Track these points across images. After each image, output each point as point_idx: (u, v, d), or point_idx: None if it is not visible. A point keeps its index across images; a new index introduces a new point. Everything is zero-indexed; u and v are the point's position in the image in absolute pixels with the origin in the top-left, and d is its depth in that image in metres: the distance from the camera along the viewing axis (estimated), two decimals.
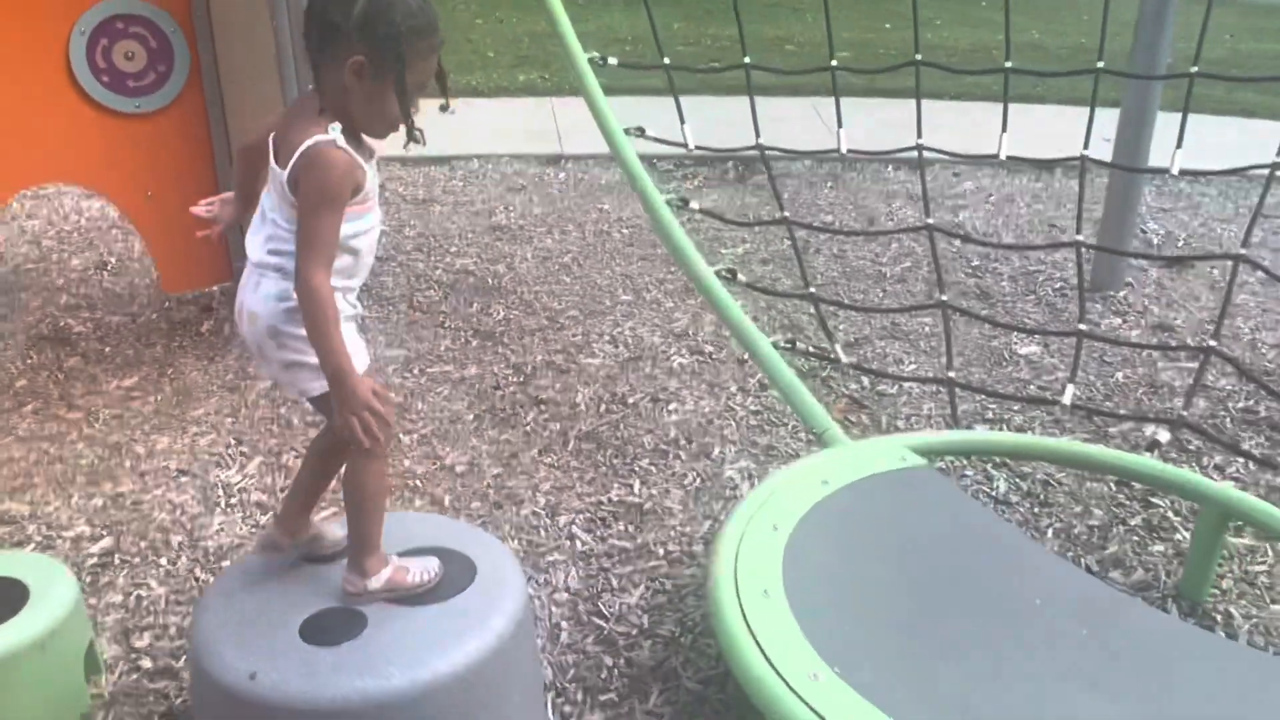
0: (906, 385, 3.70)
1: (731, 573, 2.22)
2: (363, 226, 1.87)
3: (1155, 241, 5.23)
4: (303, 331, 1.79)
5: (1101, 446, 2.95)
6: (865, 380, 3.76)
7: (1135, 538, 2.89)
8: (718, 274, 3.21)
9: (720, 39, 10.35)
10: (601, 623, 2.53)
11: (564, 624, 2.53)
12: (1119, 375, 3.82)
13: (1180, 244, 5.20)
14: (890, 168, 6.36)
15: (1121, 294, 4.53)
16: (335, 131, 1.75)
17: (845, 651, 2.04)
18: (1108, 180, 4.56)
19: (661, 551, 2.81)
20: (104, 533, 2.88)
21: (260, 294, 1.88)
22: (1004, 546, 2.44)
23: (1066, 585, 2.32)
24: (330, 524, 2.16)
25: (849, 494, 2.51)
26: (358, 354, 1.86)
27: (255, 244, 1.91)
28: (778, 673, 1.95)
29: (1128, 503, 3.05)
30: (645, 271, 4.81)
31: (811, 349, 3.67)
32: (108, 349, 4.05)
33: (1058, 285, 4.66)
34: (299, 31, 3.61)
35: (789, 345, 3.13)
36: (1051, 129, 5.10)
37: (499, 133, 7.05)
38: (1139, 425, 3.41)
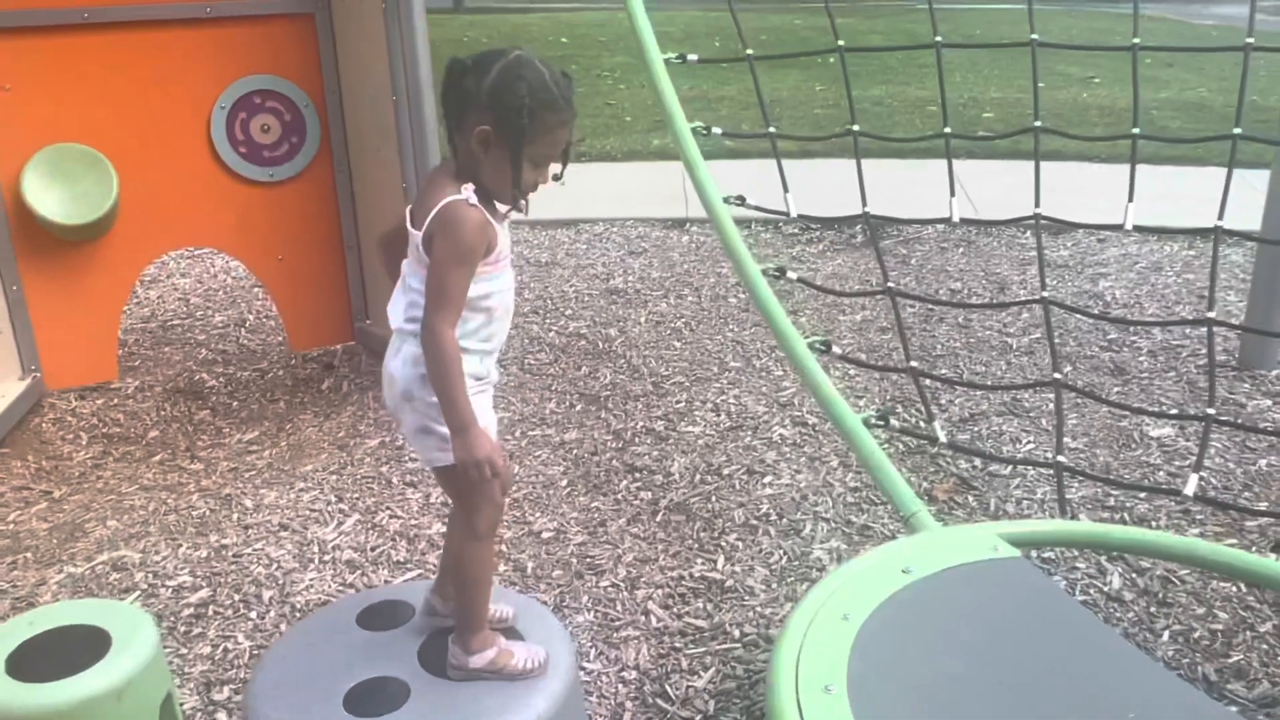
0: (1021, 467, 3.49)
1: (794, 663, 2.11)
2: (495, 287, 1.90)
3: None
4: (434, 397, 1.83)
5: (1218, 544, 2.69)
6: (978, 460, 3.57)
7: (1264, 645, 2.62)
8: (811, 346, 3.12)
9: (862, 100, 10.27)
10: (666, 705, 2.45)
11: (628, 704, 2.47)
12: (1262, 463, 3.50)
13: None
14: (1027, 232, 6.11)
15: (1274, 373, 4.18)
16: (468, 191, 1.81)
17: None
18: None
19: (737, 633, 2.72)
20: (203, 583, 3.00)
21: (400, 359, 1.93)
22: (1099, 650, 2.24)
23: (1166, 697, 2.11)
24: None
25: (931, 584, 2.37)
26: (488, 423, 1.91)
27: (396, 311, 1.97)
28: None
29: (1258, 606, 2.77)
30: (758, 338, 4.74)
31: (906, 426, 3.51)
32: (235, 403, 4.26)
33: (1202, 362, 4.33)
34: (415, 106, 3.77)
35: (881, 421, 3.00)
36: (1206, 193, 4.80)
37: (627, 196, 7.16)
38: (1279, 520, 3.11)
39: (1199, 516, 3.19)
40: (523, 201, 1.90)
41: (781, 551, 3.08)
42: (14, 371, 4.06)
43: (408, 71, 3.83)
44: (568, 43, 15.59)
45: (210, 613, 2.86)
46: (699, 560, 3.05)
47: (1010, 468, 3.49)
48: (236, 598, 2.93)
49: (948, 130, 3.76)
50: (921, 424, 3.60)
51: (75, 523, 3.36)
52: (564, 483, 3.52)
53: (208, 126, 4.06)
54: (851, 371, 4.33)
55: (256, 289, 5.50)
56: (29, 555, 3.17)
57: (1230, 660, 2.58)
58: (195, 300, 5.46)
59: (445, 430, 1.84)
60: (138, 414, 4.16)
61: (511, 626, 2.12)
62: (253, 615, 2.85)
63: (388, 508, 3.38)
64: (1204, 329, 4.49)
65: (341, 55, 4.22)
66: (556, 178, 1.97)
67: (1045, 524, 2.65)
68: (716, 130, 3.77)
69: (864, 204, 3.71)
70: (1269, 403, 3.96)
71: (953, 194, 3.67)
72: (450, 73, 1.82)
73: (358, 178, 4.38)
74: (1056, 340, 4.61)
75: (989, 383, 4.14)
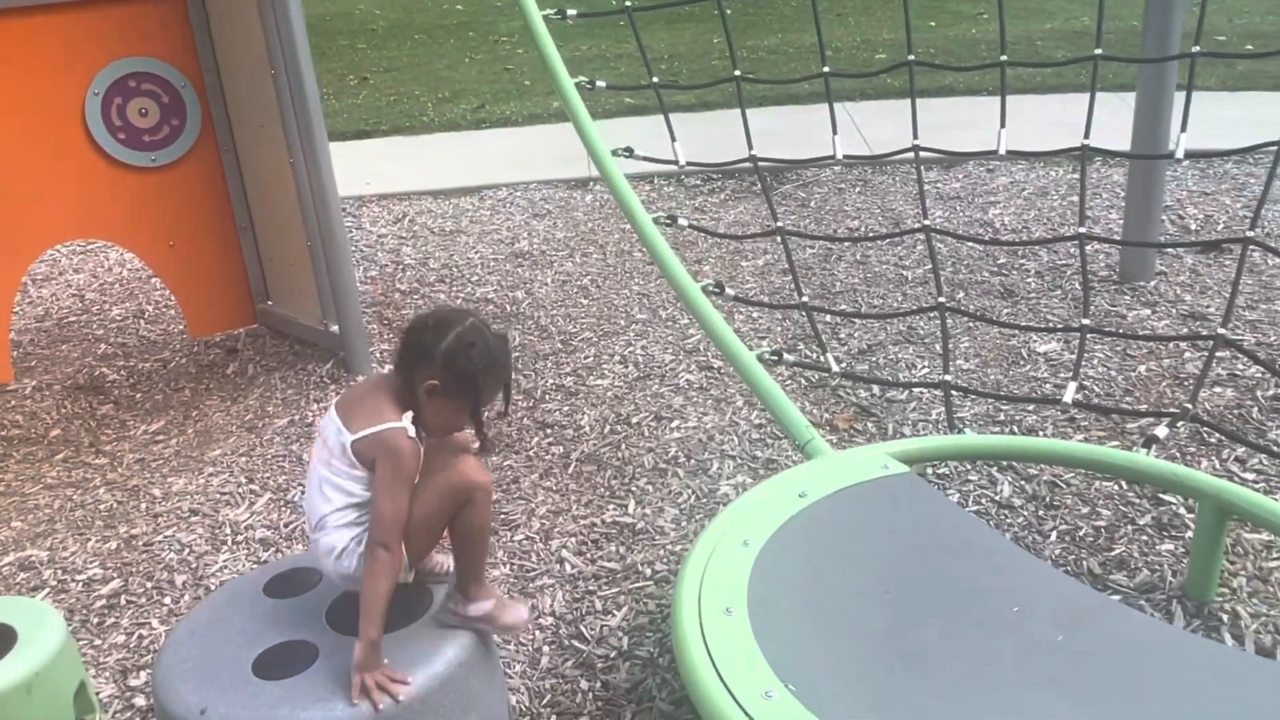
0: (917, 391, 3.62)
1: (696, 590, 2.19)
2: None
3: (1194, 227, 5.04)
4: (357, 534, 1.99)
5: (1091, 444, 2.85)
6: (876, 388, 3.69)
7: (1144, 538, 2.78)
8: (704, 289, 3.19)
9: (758, 49, 10.34)
10: (582, 646, 2.52)
11: (545, 648, 2.53)
12: (1141, 369, 3.68)
13: (1220, 228, 4.99)
14: (923, 168, 6.24)
15: (1152, 284, 4.37)
16: (407, 421, 1.96)
17: (805, 669, 2.00)
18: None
19: (649, 572, 2.79)
20: (114, 574, 2.98)
21: (321, 550, 2.01)
22: (985, 553, 2.37)
23: (1047, 591, 2.24)
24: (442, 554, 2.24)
25: (826, 506, 2.47)
26: None
27: (312, 506, 2.04)
28: (730, 692, 1.92)
29: (1137, 501, 2.93)
30: (663, 289, 4.80)
31: (802, 360, 3.62)
32: (139, 395, 4.19)
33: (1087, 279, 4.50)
34: (294, 79, 3.72)
35: (775, 357, 3.09)
36: (1077, 117, 4.96)
37: (529, 159, 7.13)
38: (1158, 420, 3.27)
39: (1083, 423, 3.35)
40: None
41: (690, 491, 3.16)
42: None
43: (284, 44, 3.77)
44: (463, 9, 15.35)
45: (123, 602, 2.85)
46: (611, 506, 3.11)
47: (906, 393, 3.62)
48: (149, 585, 2.92)
49: (826, 70, 3.83)
50: (818, 357, 3.70)
51: None
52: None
53: (82, 114, 3.95)
54: (755, 314, 4.42)
55: (153, 279, 5.38)
56: None
57: (1113, 553, 2.73)
58: (91, 295, 5.33)
59: (356, 531, 1.99)
60: (37, 414, 4.07)
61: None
62: (166, 601, 2.85)
63: (300, 484, 3.38)
64: (1088, 248, 4.68)
65: (216, 32, 4.14)
66: (501, 414, 2.18)
67: (931, 440, 2.76)
68: (600, 83, 3.79)
69: (750, 147, 3.77)
70: (1148, 311, 4.15)
71: (835, 132, 3.76)
72: (412, 326, 2.03)
73: (245, 157, 4.31)
74: (950, 269, 4.76)
75: (887, 315, 4.26)
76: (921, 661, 2.05)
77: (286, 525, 3.16)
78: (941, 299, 3.29)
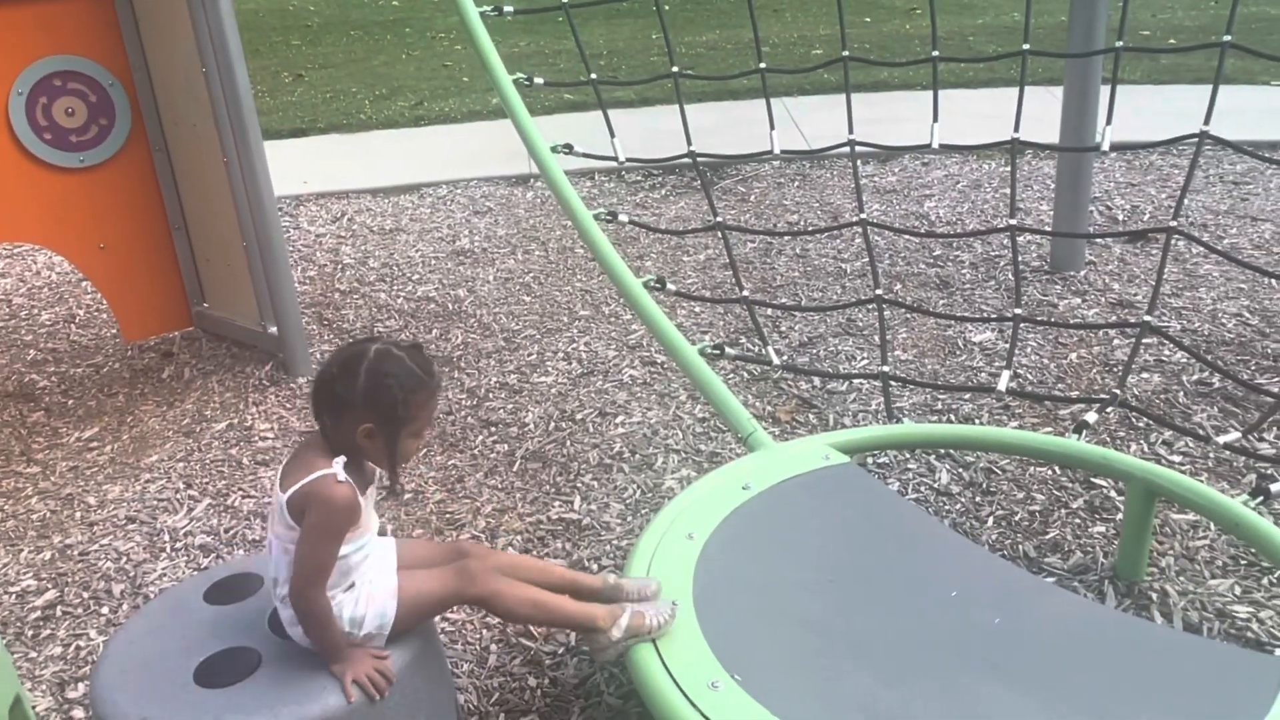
0: (858, 382, 3.68)
1: None
2: (351, 549, 1.93)
3: (1121, 217, 5.18)
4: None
5: (1025, 431, 2.92)
6: (817, 380, 3.74)
7: (1076, 521, 2.86)
8: (646, 285, 3.20)
9: (696, 45, 10.39)
10: (529, 643, 2.53)
11: (493, 647, 2.53)
12: (1073, 356, 3.77)
13: (1147, 218, 5.14)
14: (859, 162, 6.33)
15: (1082, 273, 4.49)
16: (338, 466, 1.88)
17: (750, 658, 2.02)
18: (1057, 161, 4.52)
19: (595, 568, 2.80)
20: (49, 585, 2.91)
21: (285, 621, 1.97)
22: (924, 540, 2.42)
23: (984, 575, 2.29)
24: (625, 580, 2.16)
25: (769, 497, 2.50)
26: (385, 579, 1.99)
27: (269, 576, 1.99)
28: (676, 683, 1.94)
29: (1070, 485, 3.01)
30: (605, 285, 4.81)
31: (743, 353, 3.65)
32: (71, 401, 4.10)
33: (1019, 269, 4.60)
34: (226, 76, 3.66)
35: (717, 350, 3.12)
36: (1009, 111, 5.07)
37: (469, 157, 7.10)
38: (1088, 406, 3.36)
39: (1018, 410, 3.43)
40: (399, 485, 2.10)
41: (635, 486, 3.17)
42: None
43: (215, 41, 3.71)
44: (399, 5, 15.20)
45: (59, 613, 2.79)
46: (556, 503, 3.12)
47: (847, 384, 3.67)
48: (86, 595, 2.86)
49: (763, 66, 3.86)
50: (760, 350, 3.73)
51: None
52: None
53: (5, 114, 3.85)
54: (697, 308, 4.45)
55: (84, 283, 5.26)
56: None
57: (1047, 537, 2.81)
58: (18, 300, 5.19)
59: (345, 619, 1.94)
60: None
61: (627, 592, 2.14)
62: (104, 611, 2.79)
63: (240, 489, 3.34)
64: (1021, 239, 4.78)
65: (144, 29, 4.05)
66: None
67: (870, 430, 2.81)
68: (538, 80, 3.78)
69: (689, 143, 3.79)
70: (1078, 300, 4.25)
71: (772, 127, 3.79)
72: (320, 380, 1.94)
73: (177, 156, 4.23)
74: (887, 261, 4.83)
75: (826, 308, 4.31)
76: (863, 647, 2.08)
77: (227, 531, 3.11)
78: (878, 291, 3.34)
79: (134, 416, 3.92)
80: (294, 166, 6.91)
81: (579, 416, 3.63)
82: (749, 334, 4.15)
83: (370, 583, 1.96)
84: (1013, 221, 3.39)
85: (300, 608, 1.88)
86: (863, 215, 3.51)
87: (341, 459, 1.90)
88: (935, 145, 3.59)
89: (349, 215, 6.15)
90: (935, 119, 3.63)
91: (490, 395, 3.85)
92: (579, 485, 3.21)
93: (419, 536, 3.00)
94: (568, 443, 3.47)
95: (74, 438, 3.80)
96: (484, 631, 2.58)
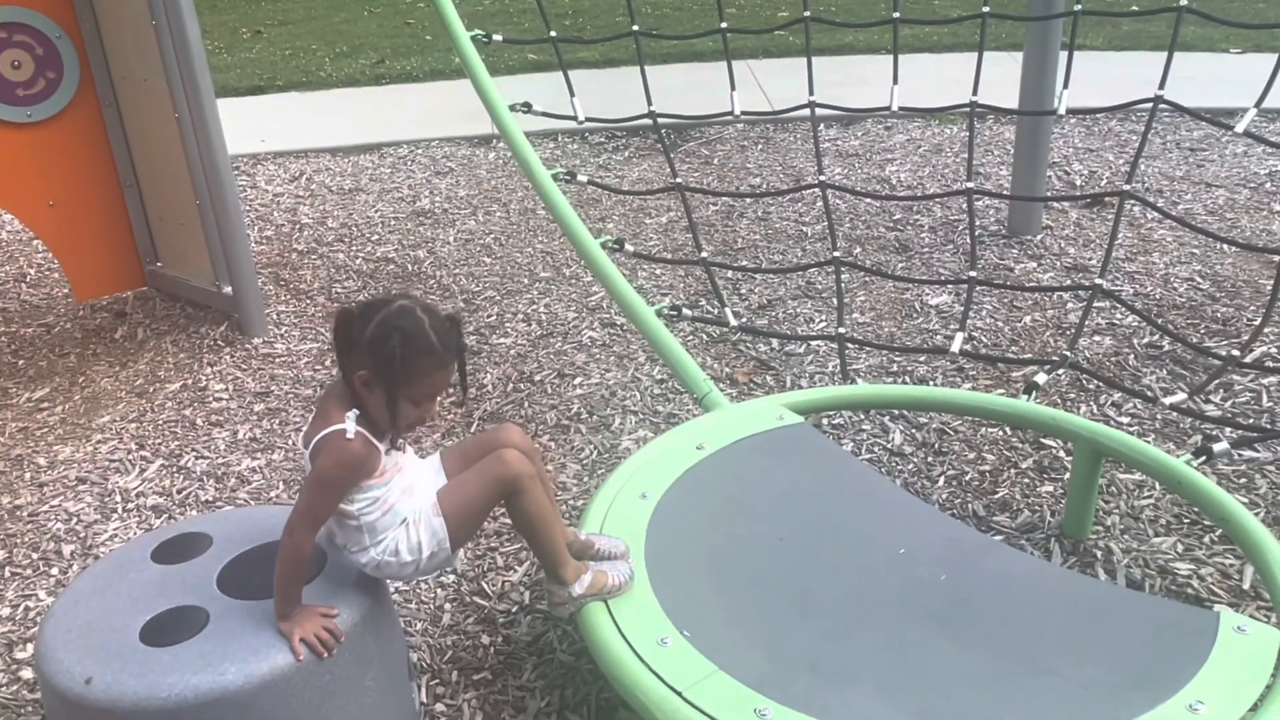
0: (814, 344, 3.69)
1: None
2: (383, 491, 1.96)
3: (1078, 182, 5.22)
4: (372, 556, 1.98)
5: (977, 392, 2.95)
6: (775, 342, 3.75)
7: (1025, 480, 2.90)
8: (604, 245, 3.19)
9: (662, 5, 10.29)
10: (483, 602, 2.54)
11: (447, 606, 2.54)
12: (1027, 319, 3.81)
13: (1103, 183, 5.18)
14: (822, 126, 6.32)
15: (1038, 238, 4.52)
16: (350, 420, 1.88)
17: (699, 615, 2.05)
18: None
19: None
20: None
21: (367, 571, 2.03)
22: (875, 499, 2.45)
23: (933, 533, 2.33)
24: (597, 537, 2.17)
25: (722, 457, 2.52)
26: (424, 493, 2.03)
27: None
28: (626, 639, 1.96)
29: (1020, 446, 3.05)
30: (567, 247, 4.79)
31: (701, 315, 3.65)
32: (20, 361, 4.03)
33: (977, 233, 4.63)
34: (177, 30, 3.58)
35: (674, 312, 3.12)
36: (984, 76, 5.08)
37: (430, 116, 7.01)
38: (1040, 368, 3.40)
39: (971, 372, 3.47)
40: (403, 439, 1.99)
41: (592, 446, 3.18)
42: None
43: None
44: None
45: (7, 574, 2.76)
46: None
47: (804, 346, 3.69)
48: (35, 556, 2.83)
49: (724, 26, 3.83)
50: (718, 312, 3.74)
51: None
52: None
53: None
54: (658, 270, 4.44)
55: (34, 241, 5.16)
56: None
57: (996, 496, 2.85)
58: None
59: (376, 552, 1.97)
60: None
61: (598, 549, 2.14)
62: (54, 572, 2.77)
63: (193, 449, 3.31)
64: (980, 204, 4.81)
65: None
66: (459, 403, 2.02)
67: (824, 391, 2.83)
68: (497, 37, 3.73)
69: (649, 103, 3.77)
70: (1034, 264, 4.29)
71: (733, 88, 3.77)
72: (339, 318, 1.92)
73: (127, 112, 4.14)
74: (848, 225, 4.84)
75: (784, 270, 4.32)
76: (811, 603, 2.11)
77: (180, 492, 3.09)
78: (837, 254, 3.35)
79: (86, 377, 3.86)
80: (252, 124, 6.79)
81: (538, 378, 3.63)
82: (709, 296, 4.15)
83: (415, 511, 1.99)
84: (970, 185, 3.41)
85: (284, 543, 1.88)
86: (822, 178, 3.51)
87: (354, 412, 1.89)
88: (895, 108, 3.59)
89: (307, 175, 6.06)
90: (895, 81, 3.64)
91: None
92: (536, 446, 3.20)
93: None
94: (526, 404, 3.46)
95: (24, 398, 3.74)
96: (438, 591, 2.59)
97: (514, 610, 2.51)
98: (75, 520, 2.98)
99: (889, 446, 3.09)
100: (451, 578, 2.62)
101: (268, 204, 5.63)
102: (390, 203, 5.53)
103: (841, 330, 3.17)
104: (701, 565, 2.21)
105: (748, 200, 5.22)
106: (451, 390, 2.04)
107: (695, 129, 6.35)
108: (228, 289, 4.09)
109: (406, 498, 1.99)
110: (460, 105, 7.18)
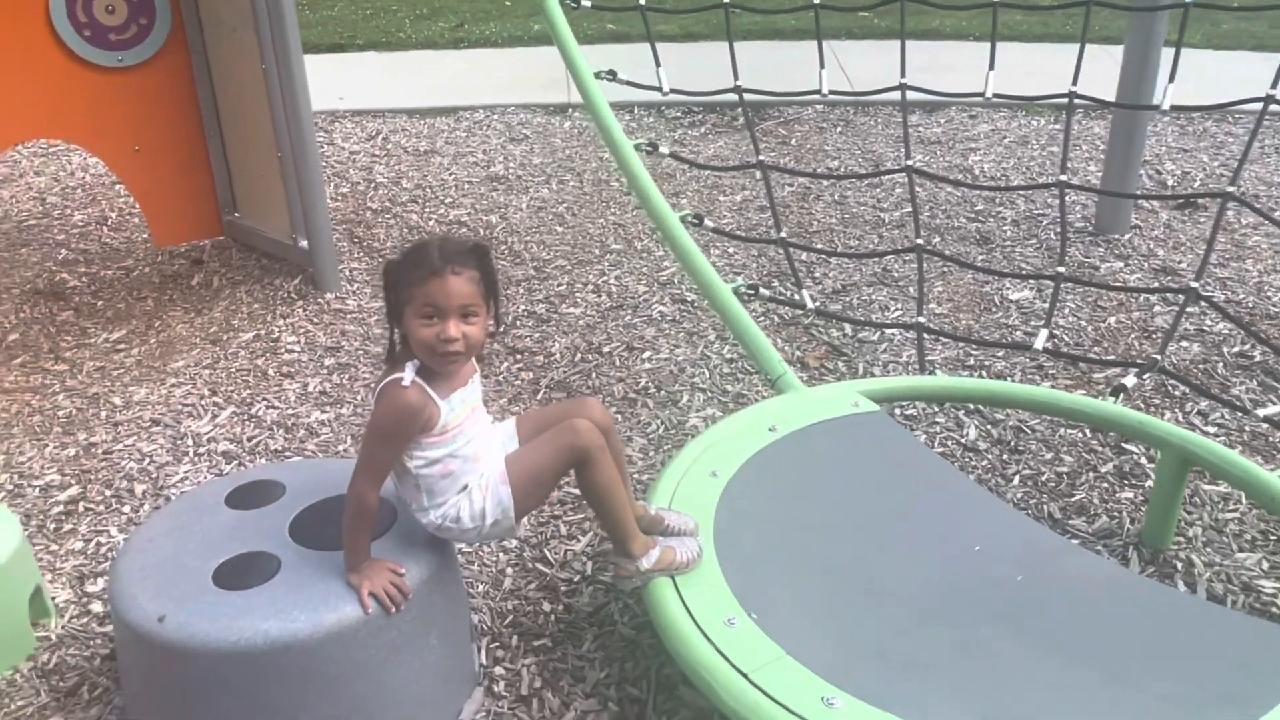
0: (890, 332, 3.62)
1: None
2: (444, 453, 1.93)
3: (1170, 182, 5.05)
4: (432, 519, 1.97)
5: (1059, 391, 2.86)
6: (848, 328, 3.69)
7: (1104, 485, 2.81)
8: (682, 219, 3.15)
9: None
10: (545, 569, 2.53)
11: (509, 570, 2.53)
12: (1111, 320, 3.70)
13: (1196, 184, 5.00)
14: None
15: (1126, 237, 4.38)
16: (409, 370, 1.87)
17: (768, 597, 2.01)
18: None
19: None
20: (72, 481, 2.93)
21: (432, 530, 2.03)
22: (950, 493, 2.39)
23: (1009, 532, 2.27)
24: (667, 512, 2.15)
25: (795, 440, 2.47)
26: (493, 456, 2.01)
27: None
28: (693, 618, 1.93)
29: (1100, 449, 2.96)
30: (640, 220, 4.75)
31: (776, 296, 3.59)
32: (100, 303, 4.11)
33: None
34: None
35: (751, 291, 3.07)
36: (1059, 67, 4.92)
37: (509, 83, 7.00)
38: (1126, 370, 3.30)
39: (1051, 371, 3.37)
40: (452, 358, 1.88)
41: (659, 421, 3.15)
42: None
43: None
44: None
45: (81, 509, 2.81)
46: None
47: (879, 334, 3.62)
48: (108, 493, 2.88)
49: (817, 1, 3.75)
50: (794, 294, 3.68)
51: None
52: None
53: (46, 10, 3.79)
54: (730, 249, 4.39)
55: (117, 186, 5.25)
56: None
57: (1073, 499, 2.77)
58: (52, 199, 5.19)
59: (435, 515, 1.97)
60: None
61: (667, 525, 2.12)
62: (125, 509, 2.81)
63: (264, 399, 3.34)
64: (1067, 198, 4.67)
65: None
66: (492, 334, 2.00)
67: (902, 380, 2.77)
68: (585, 3, 3.69)
69: (735, 77, 3.70)
70: (1120, 264, 4.16)
71: (822, 66, 3.69)
72: (383, 271, 1.93)
73: (215, 61, 4.17)
74: (927, 213, 4.74)
75: (863, 254, 4.24)
76: (882, 594, 2.07)
77: (250, 439, 3.12)
78: (919, 240, 3.27)
79: (162, 321, 3.92)
80: (331, 82, 6.83)
81: (606, 349, 3.60)
82: (782, 277, 4.09)
83: (481, 476, 1.98)
84: (1062, 177, 3.31)
85: (348, 493, 1.89)
86: (909, 162, 3.43)
87: (415, 362, 1.89)
88: (989, 94, 3.49)
89: (384, 134, 6.09)
90: (992, 67, 3.53)
91: (518, 323, 3.82)
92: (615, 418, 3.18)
93: None
94: (593, 374, 3.44)
95: (102, 338, 3.81)
96: (500, 555, 2.59)
97: (576, 580, 2.49)
98: (148, 461, 3.03)
99: (963, 441, 3.01)
100: (514, 543, 2.62)
101: (344, 161, 5.66)
102: (465, 166, 5.53)
103: (920, 319, 3.10)
104: (771, 547, 2.17)
105: (824, 183, 5.13)
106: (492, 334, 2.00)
107: (773, 108, 6.25)
108: (303, 243, 4.12)
109: (470, 464, 1.97)
110: (538, 72, 7.16)
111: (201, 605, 1.84)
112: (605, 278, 4.17)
